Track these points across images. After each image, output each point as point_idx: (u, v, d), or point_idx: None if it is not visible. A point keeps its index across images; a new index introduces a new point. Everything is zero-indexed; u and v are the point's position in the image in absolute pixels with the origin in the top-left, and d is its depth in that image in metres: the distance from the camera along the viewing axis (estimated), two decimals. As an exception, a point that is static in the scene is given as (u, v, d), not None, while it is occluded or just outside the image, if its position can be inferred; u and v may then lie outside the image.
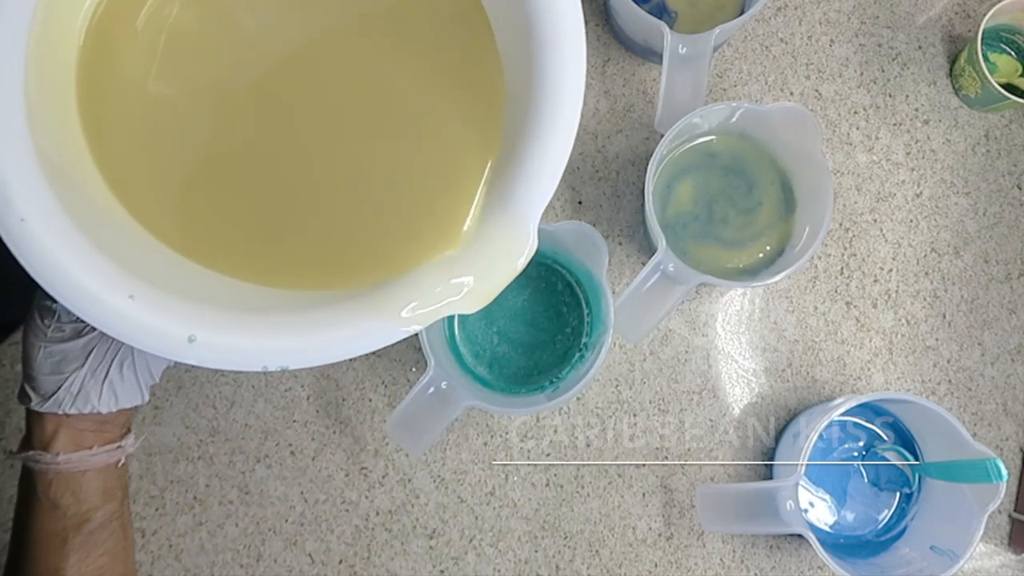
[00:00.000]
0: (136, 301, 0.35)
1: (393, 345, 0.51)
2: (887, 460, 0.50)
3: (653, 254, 0.45)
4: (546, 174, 0.37)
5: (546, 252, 0.48)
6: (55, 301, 0.36)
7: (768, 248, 0.50)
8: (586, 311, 0.49)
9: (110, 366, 0.36)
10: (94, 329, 0.35)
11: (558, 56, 0.38)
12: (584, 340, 0.49)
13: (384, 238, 0.42)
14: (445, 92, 0.42)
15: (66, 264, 0.34)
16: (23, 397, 0.36)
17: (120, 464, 0.38)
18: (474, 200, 0.41)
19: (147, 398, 0.38)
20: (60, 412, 0.36)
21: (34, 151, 0.35)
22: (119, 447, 0.38)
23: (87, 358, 0.36)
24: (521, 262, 0.37)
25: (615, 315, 0.45)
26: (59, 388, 0.36)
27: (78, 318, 0.35)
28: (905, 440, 0.51)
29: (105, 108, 0.41)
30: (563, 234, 0.44)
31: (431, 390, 0.41)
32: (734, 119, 0.48)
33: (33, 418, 0.36)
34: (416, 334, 0.42)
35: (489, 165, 0.42)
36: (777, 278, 0.45)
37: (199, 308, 0.36)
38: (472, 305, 0.37)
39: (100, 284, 0.35)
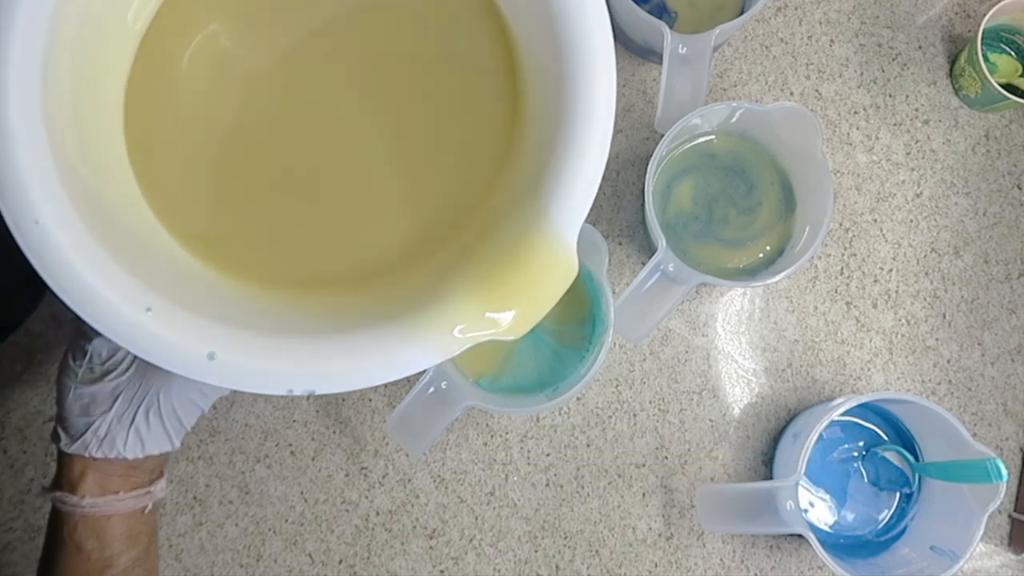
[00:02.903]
0: (154, 314, 0.34)
1: (393, 345, 0.51)
2: (887, 460, 0.50)
3: (653, 254, 0.45)
4: (581, 192, 0.36)
5: None
6: (88, 341, 0.36)
7: (768, 248, 0.50)
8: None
9: (136, 412, 0.36)
10: (124, 372, 0.35)
11: (587, 68, 0.36)
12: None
13: (407, 242, 0.42)
14: (462, 103, 0.42)
15: (80, 271, 0.33)
16: (55, 436, 0.36)
17: (147, 510, 0.37)
18: (493, 199, 0.41)
19: (177, 445, 0.38)
20: (87, 455, 0.35)
21: (51, 158, 0.34)
22: (147, 492, 0.37)
23: (114, 402, 0.36)
24: (562, 287, 0.35)
25: (615, 315, 0.45)
26: (86, 430, 0.35)
27: (109, 360, 0.35)
28: (905, 440, 0.51)
29: (150, 122, 0.41)
30: None
31: (431, 390, 0.41)
32: (734, 119, 0.48)
33: (63, 459, 0.36)
34: None
35: (518, 168, 0.41)
36: (777, 278, 0.45)
37: (221, 325, 0.35)
38: (512, 332, 0.35)
39: (116, 294, 0.33)
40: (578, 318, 0.47)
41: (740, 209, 0.50)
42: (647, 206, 0.46)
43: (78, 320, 0.34)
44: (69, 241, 0.34)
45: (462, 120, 0.42)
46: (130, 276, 0.34)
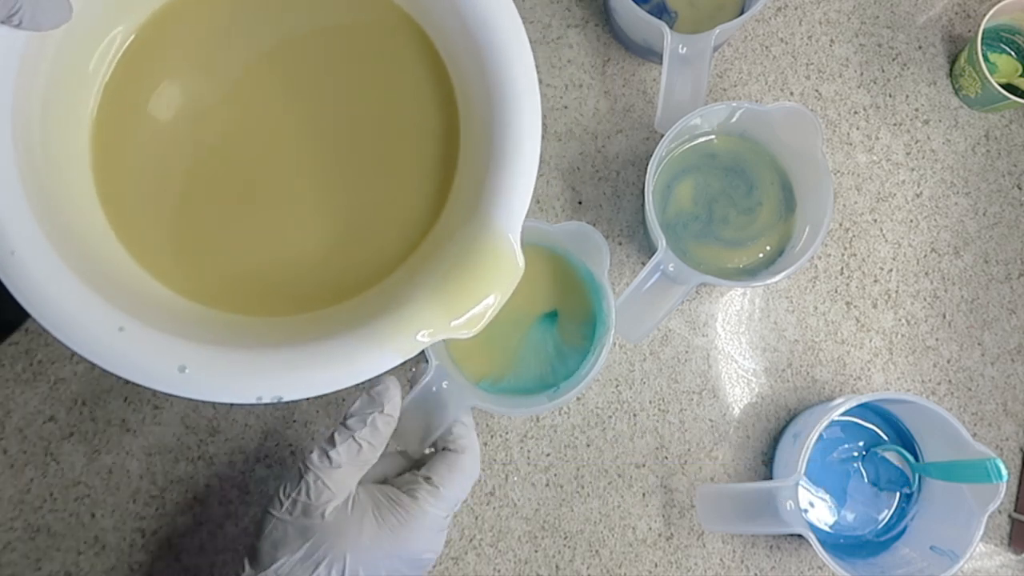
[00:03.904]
0: (126, 334, 0.36)
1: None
2: (887, 460, 0.50)
3: (653, 254, 0.45)
4: (519, 192, 0.39)
5: (548, 251, 0.48)
6: (302, 477, 0.36)
7: (768, 248, 0.50)
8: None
9: (321, 563, 0.35)
10: (320, 518, 0.36)
11: (513, 89, 0.40)
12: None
13: (364, 266, 0.44)
14: (401, 119, 0.46)
15: (55, 296, 0.36)
16: (241, 565, 0.37)
17: None
18: (442, 209, 0.45)
19: None
20: None
21: (24, 196, 0.37)
22: None
23: (303, 545, 0.36)
24: (510, 281, 0.38)
25: (615, 315, 0.45)
26: (271, 566, 0.36)
27: (312, 502, 0.36)
28: (905, 440, 0.51)
29: (115, 161, 0.44)
30: (563, 234, 0.44)
31: (432, 390, 0.41)
32: (734, 119, 0.48)
33: None
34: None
35: (455, 177, 0.45)
36: (777, 278, 0.45)
37: (190, 341, 0.37)
38: (466, 331, 0.38)
39: (90, 316, 0.36)
40: (581, 318, 0.47)
41: (740, 209, 0.50)
42: (647, 206, 0.46)
43: (303, 462, 0.36)
44: (43, 269, 0.36)
45: (407, 152, 0.46)
46: (102, 299, 0.37)
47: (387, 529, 0.36)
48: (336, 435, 0.37)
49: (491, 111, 0.41)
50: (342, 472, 0.36)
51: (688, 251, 0.50)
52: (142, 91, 0.45)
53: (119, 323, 0.36)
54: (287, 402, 0.50)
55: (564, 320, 0.47)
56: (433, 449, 0.41)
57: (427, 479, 0.38)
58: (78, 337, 0.36)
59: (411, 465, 0.41)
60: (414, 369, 0.51)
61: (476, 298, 0.38)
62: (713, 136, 0.50)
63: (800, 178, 0.49)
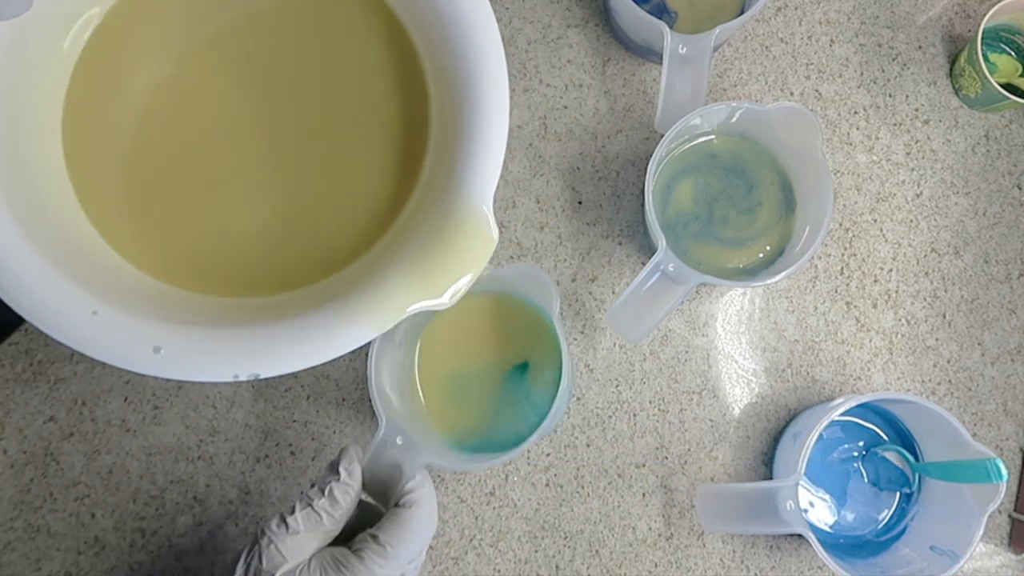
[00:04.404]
0: (100, 317, 0.36)
1: (393, 345, 0.51)
2: (887, 460, 0.50)
3: (653, 254, 0.45)
4: (491, 164, 0.39)
5: (513, 299, 0.47)
6: (259, 538, 0.37)
7: (768, 248, 0.50)
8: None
9: None
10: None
11: (475, 42, 0.40)
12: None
13: (334, 233, 0.45)
14: (372, 97, 0.46)
15: (29, 283, 0.36)
16: None
17: None
18: (417, 182, 0.45)
19: None
20: None
21: None
22: None
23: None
24: (485, 252, 0.38)
25: (615, 315, 0.45)
26: None
27: (260, 564, 0.36)
28: (905, 440, 0.51)
29: (87, 136, 0.44)
30: (515, 276, 0.44)
31: (387, 447, 0.40)
32: (734, 119, 0.48)
33: None
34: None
35: (428, 146, 0.45)
36: (777, 278, 0.45)
37: (165, 323, 0.37)
38: (442, 302, 0.38)
39: (64, 302, 0.36)
40: (551, 364, 0.46)
41: (740, 209, 0.50)
42: (647, 206, 0.46)
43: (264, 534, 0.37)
44: (15, 257, 0.37)
45: (378, 130, 0.46)
46: (76, 285, 0.37)
47: None
48: (296, 503, 0.37)
49: (459, 86, 0.41)
50: (299, 539, 0.37)
51: (688, 251, 0.50)
52: (114, 71, 0.45)
53: (92, 307, 0.37)
54: (263, 379, 0.50)
55: (535, 369, 0.47)
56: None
57: (374, 538, 0.37)
58: (52, 321, 0.36)
59: (370, 520, 0.40)
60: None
61: (452, 269, 0.38)
62: (713, 136, 0.50)
63: (800, 178, 0.49)
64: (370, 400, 0.51)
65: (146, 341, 0.36)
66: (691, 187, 0.50)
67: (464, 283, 0.38)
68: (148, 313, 0.38)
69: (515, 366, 0.47)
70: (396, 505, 0.39)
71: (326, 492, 0.37)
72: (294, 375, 0.51)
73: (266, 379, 0.50)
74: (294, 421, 0.51)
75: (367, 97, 0.46)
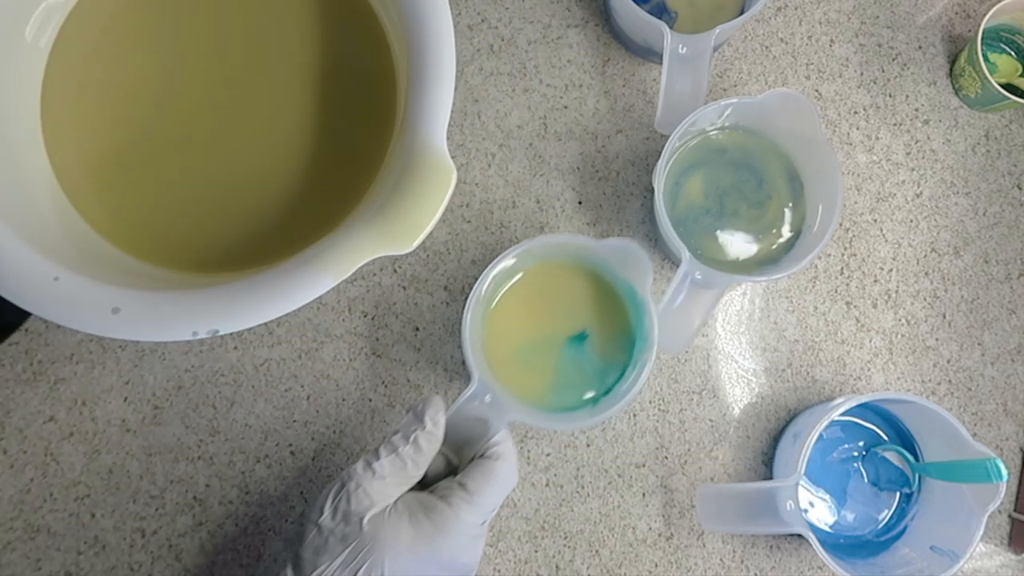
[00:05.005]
0: (60, 282, 0.37)
1: (393, 346, 0.51)
2: (887, 460, 0.50)
3: (655, 249, 0.45)
4: (441, 101, 0.40)
5: (590, 264, 0.48)
6: (343, 486, 0.37)
7: (782, 238, 0.50)
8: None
9: (360, 569, 0.36)
10: (359, 527, 0.36)
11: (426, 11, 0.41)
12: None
13: (315, 206, 0.45)
14: (341, 65, 0.47)
15: None
16: (283, 569, 0.37)
17: None
18: (390, 142, 0.45)
19: None
20: None
21: None
22: None
23: (343, 551, 0.36)
24: (445, 187, 0.38)
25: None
26: (311, 573, 0.36)
27: (355, 508, 0.37)
28: (905, 440, 0.51)
29: (61, 106, 0.46)
30: (607, 250, 0.45)
31: (475, 403, 0.42)
32: (728, 115, 0.48)
33: None
34: (460, 347, 0.46)
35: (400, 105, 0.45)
36: (802, 264, 0.45)
37: (125, 288, 0.38)
38: (406, 243, 0.38)
39: (25, 267, 0.37)
40: (618, 333, 0.47)
41: (751, 203, 0.50)
42: (658, 211, 0.45)
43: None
44: None
45: (353, 101, 0.47)
46: (39, 254, 0.38)
47: (423, 535, 0.37)
48: (381, 449, 0.38)
49: (409, 33, 0.41)
50: (384, 484, 0.37)
51: (701, 246, 0.49)
52: (89, 58, 0.46)
53: (55, 274, 0.37)
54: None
55: (599, 337, 0.47)
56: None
57: (462, 485, 0.38)
58: (13, 286, 0.37)
59: (450, 471, 0.41)
60: (413, 369, 0.51)
61: (415, 214, 0.38)
62: (717, 132, 0.50)
63: (805, 162, 0.49)
64: (370, 399, 0.51)
65: (105, 303, 0.37)
66: (701, 181, 0.50)
67: (428, 228, 0.38)
68: (109, 279, 0.38)
69: (577, 335, 0.48)
70: (481, 456, 0.40)
71: (411, 439, 0.38)
72: (293, 374, 0.51)
73: (266, 379, 0.50)
74: (294, 421, 0.51)
75: (336, 65, 0.46)
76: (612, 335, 0.47)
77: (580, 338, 0.47)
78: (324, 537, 0.37)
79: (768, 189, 0.50)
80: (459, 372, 0.51)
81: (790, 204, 0.50)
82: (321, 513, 0.37)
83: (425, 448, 0.38)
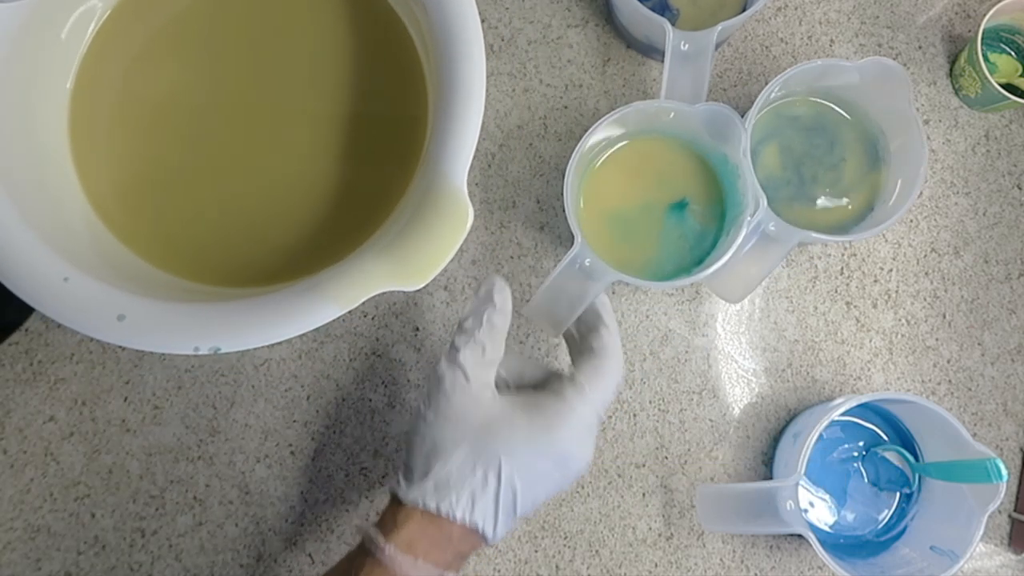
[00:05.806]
0: (70, 283, 0.37)
1: (393, 346, 0.51)
2: (887, 460, 0.50)
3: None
4: (467, 140, 0.39)
5: (680, 137, 0.49)
6: (440, 375, 0.37)
7: (852, 207, 0.50)
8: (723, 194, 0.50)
9: (475, 465, 0.35)
10: (469, 422, 0.36)
11: (461, 45, 0.41)
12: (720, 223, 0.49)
13: (332, 233, 0.45)
14: (372, 92, 0.47)
15: (7, 248, 0.38)
16: (395, 483, 0.37)
17: None
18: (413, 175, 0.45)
19: (500, 533, 0.36)
20: (420, 505, 0.35)
21: None
22: (440, 574, 0.35)
23: (455, 450, 0.36)
24: (461, 229, 0.38)
25: (716, 279, 0.45)
26: (426, 477, 0.36)
27: (450, 394, 0.37)
28: (905, 440, 0.51)
29: (92, 126, 0.46)
30: (696, 117, 0.45)
31: (576, 267, 0.42)
32: (816, 79, 0.48)
33: (393, 502, 0.37)
34: (563, 208, 0.47)
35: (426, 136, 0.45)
36: (877, 230, 0.45)
37: (133, 295, 0.38)
38: (414, 284, 0.37)
39: (39, 267, 0.38)
40: (711, 201, 0.48)
41: (826, 166, 0.50)
42: (744, 168, 0.45)
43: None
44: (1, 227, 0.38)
45: (382, 130, 0.46)
46: (55, 254, 0.38)
47: (538, 428, 0.37)
48: (456, 339, 0.38)
49: (440, 64, 0.41)
50: (474, 372, 0.37)
51: (780, 214, 0.49)
52: (121, 62, 0.46)
53: (66, 274, 0.38)
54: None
55: (695, 206, 0.48)
56: (575, 334, 0.42)
57: (573, 381, 0.39)
58: (24, 284, 0.37)
59: (548, 374, 0.41)
60: (413, 369, 0.51)
61: (428, 253, 0.38)
62: (792, 98, 0.51)
63: (888, 132, 0.49)
64: (370, 399, 0.51)
65: (112, 309, 0.37)
66: (776, 152, 0.51)
67: (439, 267, 0.38)
68: (118, 284, 0.38)
69: (674, 203, 0.49)
70: (590, 350, 0.40)
71: (484, 320, 0.38)
72: (293, 374, 0.51)
73: (266, 379, 0.50)
74: (294, 421, 0.51)
75: (369, 93, 0.46)
76: (704, 202, 0.49)
77: (681, 205, 0.48)
78: (433, 440, 0.36)
79: (841, 151, 0.50)
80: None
81: (867, 170, 0.50)
82: (426, 418, 0.37)
83: (499, 325, 0.38)
